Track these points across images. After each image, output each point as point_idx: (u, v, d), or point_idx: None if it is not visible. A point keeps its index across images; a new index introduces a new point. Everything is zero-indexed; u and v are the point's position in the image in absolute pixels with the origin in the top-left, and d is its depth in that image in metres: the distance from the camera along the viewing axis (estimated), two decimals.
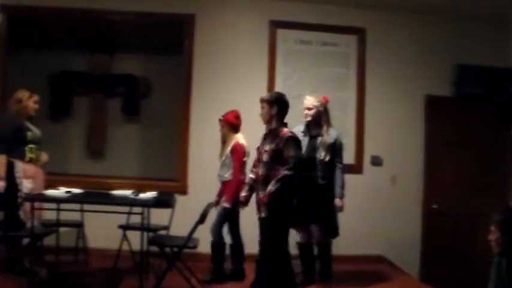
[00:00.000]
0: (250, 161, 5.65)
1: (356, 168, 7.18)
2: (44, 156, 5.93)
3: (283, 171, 4.79)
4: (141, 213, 5.08)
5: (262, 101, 5.11)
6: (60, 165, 7.20)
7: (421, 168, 7.37)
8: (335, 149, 5.67)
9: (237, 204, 5.55)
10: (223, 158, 5.86)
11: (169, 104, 7.76)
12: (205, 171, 6.57)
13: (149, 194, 5.49)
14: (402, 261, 7.06)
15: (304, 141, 5.56)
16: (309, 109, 5.69)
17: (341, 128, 7.03)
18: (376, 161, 7.26)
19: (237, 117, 5.97)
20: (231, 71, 7.04)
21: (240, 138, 5.89)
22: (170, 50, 7.43)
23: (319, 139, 5.64)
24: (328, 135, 5.63)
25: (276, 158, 4.87)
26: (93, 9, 7.00)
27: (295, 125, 5.70)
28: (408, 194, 7.31)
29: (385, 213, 7.21)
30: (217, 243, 5.80)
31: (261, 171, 4.96)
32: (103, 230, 6.33)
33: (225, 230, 5.88)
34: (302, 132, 5.69)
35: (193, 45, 7.03)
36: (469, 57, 7.32)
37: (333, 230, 5.77)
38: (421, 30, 7.40)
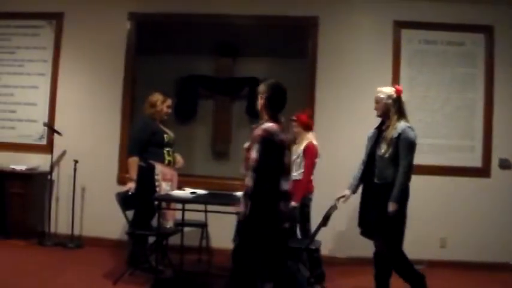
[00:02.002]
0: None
1: (483, 172, 6.94)
2: (180, 159, 6.14)
3: (247, 182, 3.98)
4: None
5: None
6: (185, 167, 7.40)
7: None
8: (398, 144, 4.85)
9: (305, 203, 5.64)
10: (295, 157, 5.78)
11: (293, 106, 7.75)
12: (329, 173, 6.51)
13: None
14: None
15: (374, 138, 5.14)
16: (376, 103, 5.14)
17: (468, 129, 6.92)
18: (505, 164, 6.95)
19: (310, 116, 6.04)
20: (355, 73, 6.98)
21: (313, 138, 5.90)
22: (293, 52, 7.49)
23: (384, 134, 5.01)
24: (394, 129, 4.91)
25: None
26: (218, 14, 7.21)
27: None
28: None
29: None
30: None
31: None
32: (226, 230, 6.42)
33: None
34: (376, 128, 5.18)
35: (317, 47, 7.04)
36: None
37: (391, 240, 4.94)
38: None
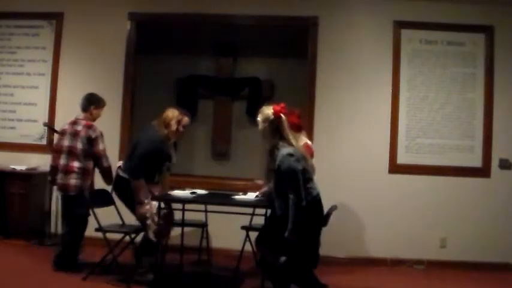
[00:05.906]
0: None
1: (483, 172, 6.92)
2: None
3: None
4: (264, 215, 5.14)
5: None
6: (185, 167, 7.40)
7: None
8: (280, 176, 4.43)
9: None
10: None
11: (293, 106, 7.74)
12: (329, 173, 6.52)
13: None
14: None
15: None
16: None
17: (468, 129, 6.93)
18: (505, 164, 6.94)
19: (299, 116, 5.68)
20: (355, 72, 6.98)
21: (306, 139, 5.73)
22: (294, 52, 7.47)
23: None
24: (274, 160, 4.47)
25: None
26: (218, 14, 7.21)
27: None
28: None
29: None
30: None
31: None
32: (226, 230, 6.45)
33: None
34: None
35: (317, 47, 7.03)
36: None
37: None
38: None
